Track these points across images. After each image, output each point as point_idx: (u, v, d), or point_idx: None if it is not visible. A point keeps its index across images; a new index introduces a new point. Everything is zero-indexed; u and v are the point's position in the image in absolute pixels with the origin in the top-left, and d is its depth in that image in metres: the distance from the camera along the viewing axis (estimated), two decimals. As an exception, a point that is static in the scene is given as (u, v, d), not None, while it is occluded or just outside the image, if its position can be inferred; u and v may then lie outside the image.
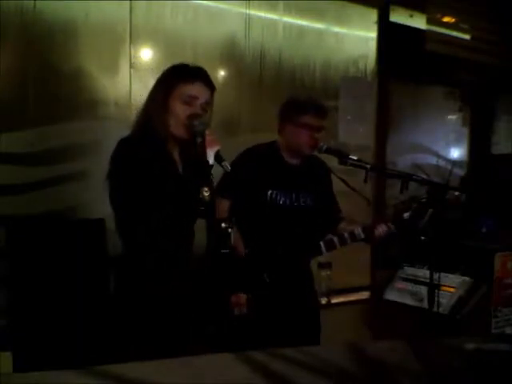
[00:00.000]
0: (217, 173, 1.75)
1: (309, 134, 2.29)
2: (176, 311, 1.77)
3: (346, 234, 2.34)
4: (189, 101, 1.76)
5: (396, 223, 2.34)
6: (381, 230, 2.32)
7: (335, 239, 2.35)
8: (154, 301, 1.73)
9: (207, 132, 1.71)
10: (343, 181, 2.41)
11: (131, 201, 1.67)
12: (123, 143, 1.74)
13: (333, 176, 2.49)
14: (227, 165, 1.71)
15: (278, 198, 2.32)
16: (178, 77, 1.79)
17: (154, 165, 1.69)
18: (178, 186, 1.73)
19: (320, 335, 2.45)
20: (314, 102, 2.37)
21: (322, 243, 2.34)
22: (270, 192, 2.30)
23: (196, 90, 1.77)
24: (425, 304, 2.46)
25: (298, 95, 2.44)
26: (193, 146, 1.70)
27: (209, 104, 1.81)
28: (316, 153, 2.36)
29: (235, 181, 2.18)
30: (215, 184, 1.73)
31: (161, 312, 1.73)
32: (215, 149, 1.70)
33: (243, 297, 2.16)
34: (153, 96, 1.81)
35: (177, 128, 1.76)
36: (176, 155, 1.83)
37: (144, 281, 1.74)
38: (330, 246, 2.35)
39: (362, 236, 2.33)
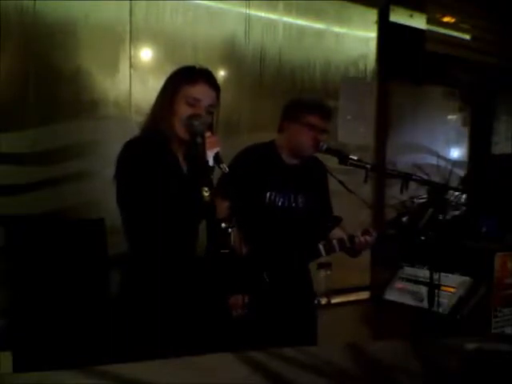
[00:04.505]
0: (218, 174, 1.76)
1: (312, 135, 2.28)
2: (179, 311, 1.77)
3: (345, 237, 2.32)
4: (193, 103, 1.77)
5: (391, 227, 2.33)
6: (363, 240, 2.28)
7: (334, 242, 2.34)
8: (157, 300, 1.73)
9: (208, 134, 1.71)
10: (342, 183, 2.40)
11: (138, 201, 1.68)
12: (130, 144, 1.75)
13: (331, 177, 2.48)
14: (225, 167, 1.71)
15: (277, 199, 2.31)
16: (183, 78, 1.80)
17: (159, 166, 1.70)
18: (183, 186, 1.74)
19: (316, 337, 2.44)
20: (321, 103, 2.37)
21: (321, 246, 2.33)
22: (269, 193, 2.30)
23: (200, 91, 1.78)
24: (425, 304, 2.46)
25: (304, 95, 2.43)
26: (193, 147, 1.71)
27: (214, 106, 1.82)
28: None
29: (234, 180, 2.17)
30: (216, 184, 1.73)
31: (164, 311, 1.73)
32: (215, 150, 1.70)
33: (241, 298, 2.14)
34: (159, 98, 1.83)
35: (180, 129, 1.76)
36: (181, 156, 1.83)
37: (148, 280, 1.75)
38: (330, 250, 2.34)
39: (348, 244, 2.30)
